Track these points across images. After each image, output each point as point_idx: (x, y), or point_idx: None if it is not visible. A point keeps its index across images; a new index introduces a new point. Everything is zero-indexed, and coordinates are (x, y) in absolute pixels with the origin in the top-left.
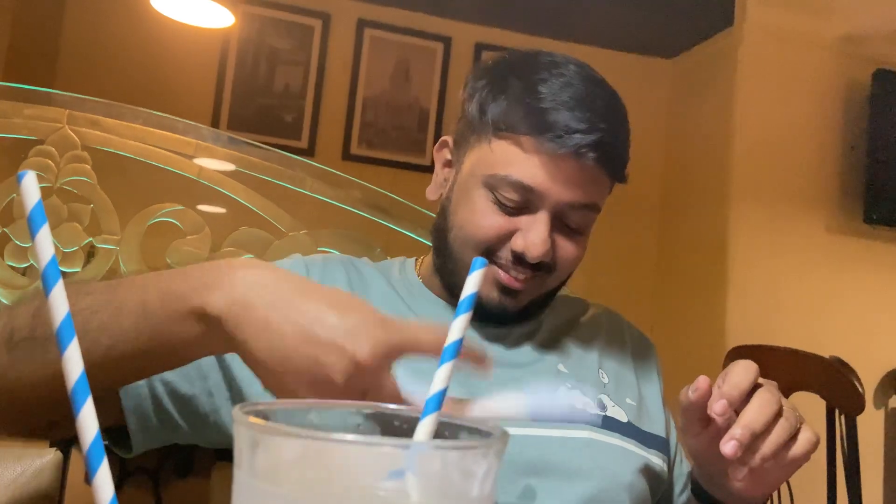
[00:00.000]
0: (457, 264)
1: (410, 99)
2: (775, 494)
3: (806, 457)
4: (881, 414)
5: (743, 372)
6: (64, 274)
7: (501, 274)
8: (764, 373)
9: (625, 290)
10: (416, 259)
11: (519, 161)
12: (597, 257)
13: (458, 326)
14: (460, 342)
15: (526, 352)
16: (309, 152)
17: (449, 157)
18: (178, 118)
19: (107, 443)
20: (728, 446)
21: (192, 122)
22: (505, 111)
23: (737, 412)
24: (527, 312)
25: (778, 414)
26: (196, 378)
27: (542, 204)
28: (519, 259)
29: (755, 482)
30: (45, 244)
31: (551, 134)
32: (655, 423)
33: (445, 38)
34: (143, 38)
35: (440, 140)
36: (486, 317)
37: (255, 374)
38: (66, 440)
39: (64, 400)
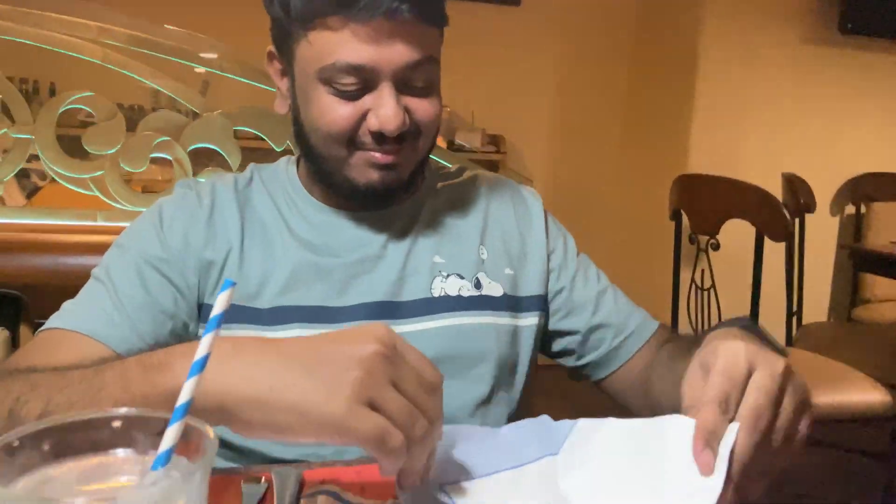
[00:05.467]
0: (329, 163)
1: None
2: (706, 314)
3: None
4: (836, 221)
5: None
6: None
7: (374, 154)
8: (703, 201)
9: (595, 112)
10: (298, 158)
11: (339, 44)
12: (569, 82)
13: (207, 343)
14: (206, 358)
15: (403, 248)
16: None
17: (280, 66)
18: None
19: None
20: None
21: (89, 3)
22: (305, 1)
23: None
24: (408, 185)
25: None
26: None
27: (379, 77)
28: (381, 137)
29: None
30: None
31: (358, 5)
32: (533, 282)
33: None
34: None
35: (267, 52)
36: (372, 200)
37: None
38: (12, 320)
39: None
